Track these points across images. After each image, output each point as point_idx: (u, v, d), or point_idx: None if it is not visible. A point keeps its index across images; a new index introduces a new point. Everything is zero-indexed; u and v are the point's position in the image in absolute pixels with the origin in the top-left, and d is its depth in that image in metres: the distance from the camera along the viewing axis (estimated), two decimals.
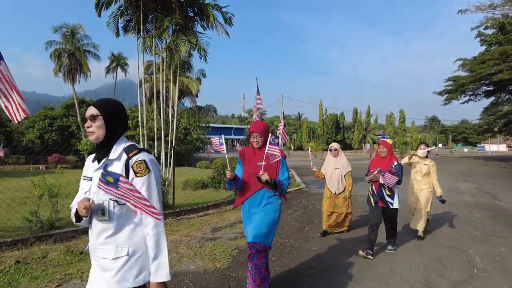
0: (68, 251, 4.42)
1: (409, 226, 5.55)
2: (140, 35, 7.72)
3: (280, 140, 10.10)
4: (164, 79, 8.23)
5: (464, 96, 30.24)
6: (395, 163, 4.47)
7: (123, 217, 1.59)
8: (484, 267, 4.07)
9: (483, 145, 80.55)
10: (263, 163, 2.97)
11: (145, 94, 22.41)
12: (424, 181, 5.38)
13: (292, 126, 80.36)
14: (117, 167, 1.60)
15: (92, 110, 1.63)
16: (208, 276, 3.75)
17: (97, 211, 1.57)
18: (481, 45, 27.29)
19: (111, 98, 1.75)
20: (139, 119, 7.89)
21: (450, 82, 29.99)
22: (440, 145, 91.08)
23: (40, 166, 21.41)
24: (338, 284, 3.57)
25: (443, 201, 5.36)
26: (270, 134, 3.03)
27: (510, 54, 23.10)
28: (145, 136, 7.57)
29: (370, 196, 4.58)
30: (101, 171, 1.52)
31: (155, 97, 8.65)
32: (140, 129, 7.77)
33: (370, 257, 4.28)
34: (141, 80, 8.14)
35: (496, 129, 30.36)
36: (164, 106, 8.57)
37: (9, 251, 4.43)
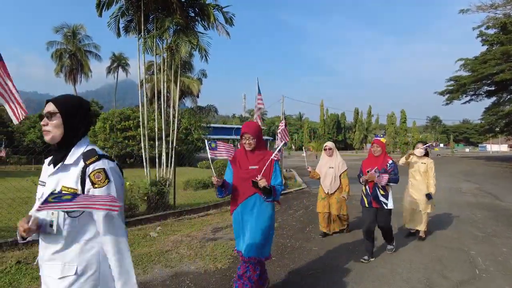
0: None
1: (405, 226, 5.49)
2: (141, 35, 7.73)
3: (278, 141, 10.07)
4: (165, 79, 8.23)
5: (466, 96, 30.22)
6: (390, 161, 4.27)
7: (74, 231, 1.40)
8: (486, 268, 4.05)
9: (484, 145, 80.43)
10: (256, 167, 2.78)
11: (146, 94, 22.37)
12: (423, 181, 5.20)
13: (293, 126, 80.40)
14: (73, 174, 1.42)
15: (49, 107, 1.46)
16: (209, 276, 3.75)
17: (44, 223, 1.38)
18: (482, 45, 27.27)
19: (74, 95, 1.57)
20: (140, 119, 7.90)
21: (452, 82, 29.95)
22: (441, 145, 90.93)
23: (41, 167, 21.41)
24: (339, 284, 3.56)
25: (428, 197, 5.11)
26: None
27: (511, 54, 23.04)
28: (146, 136, 7.58)
29: (364, 196, 4.39)
30: (56, 176, 1.41)
31: (156, 97, 8.67)
32: (141, 129, 7.78)
33: (371, 259, 4.26)
34: (142, 80, 8.14)
35: (497, 129, 30.31)
36: (165, 106, 8.57)
37: (10, 251, 4.44)
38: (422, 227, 5.23)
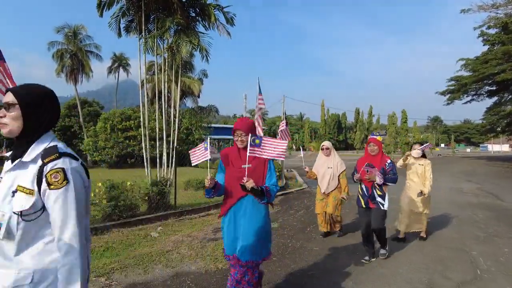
0: None
1: (401, 230, 5.21)
2: (142, 35, 7.74)
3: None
4: (166, 80, 8.24)
5: (467, 96, 30.15)
6: (388, 161, 4.15)
7: (29, 235, 1.26)
8: (488, 268, 4.04)
9: (485, 145, 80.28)
10: (248, 165, 2.58)
11: (147, 94, 22.38)
12: (421, 183, 5.08)
13: (294, 126, 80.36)
14: (30, 173, 1.27)
15: (8, 97, 1.31)
16: (209, 276, 3.75)
17: None
18: (483, 45, 27.20)
19: (38, 84, 1.41)
20: (141, 119, 7.92)
21: (453, 82, 29.89)
22: (442, 145, 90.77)
23: None
24: (340, 285, 3.55)
25: (419, 194, 4.97)
26: (249, 135, 2.57)
27: None
28: (147, 136, 7.59)
29: (360, 197, 4.28)
30: (13, 173, 1.28)
31: (157, 98, 8.67)
32: (142, 129, 7.79)
33: (372, 259, 4.25)
34: (143, 80, 8.15)
35: (499, 129, 30.26)
36: (166, 106, 8.58)
37: None
38: (422, 227, 5.21)
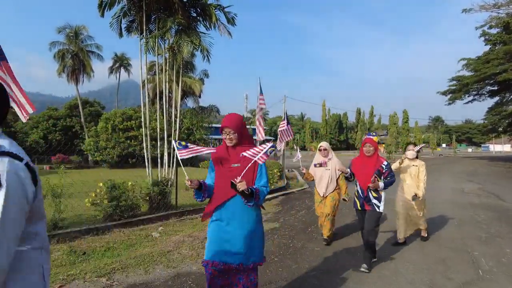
0: (71, 251, 4.43)
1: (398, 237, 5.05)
2: (143, 35, 7.75)
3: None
4: (167, 80, 8.25)
5: (468, 96, 30.13)
6: (385, 163, 4.03)
7: None
8: (490, 269, 4.02)
9: (487, 145, 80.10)
10: (239, 165, 2.45)
11: (148, 94, 22.43)
12: (415, 184, 5.00)
13: (295, 126, 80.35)
14: None
15: None
16: None
17: None
18: (485, 45, 27.16)
19: None
20: (142, 119, 7.93)
21: (454, 82, 29.86)
22: (444, 145, 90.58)
23: (44, 166, 21.52)
24: (342, 285, 3.54)
25: (413, 198, 4.93)
26: (269, 145, 2.40)
27: None
28: (148, 136, 7.59)
29: (356, 198, 4.17)
30: None
31: (158, 98, 8.67)
32: (143, 129, 7.80)
33: (374, 259, 4.16)
34: (144, 80, 8.16)
35: (500, 129, 30.23)
36: (167, 106, 8.59)
37: None
38: (422, 227, 5.17)
